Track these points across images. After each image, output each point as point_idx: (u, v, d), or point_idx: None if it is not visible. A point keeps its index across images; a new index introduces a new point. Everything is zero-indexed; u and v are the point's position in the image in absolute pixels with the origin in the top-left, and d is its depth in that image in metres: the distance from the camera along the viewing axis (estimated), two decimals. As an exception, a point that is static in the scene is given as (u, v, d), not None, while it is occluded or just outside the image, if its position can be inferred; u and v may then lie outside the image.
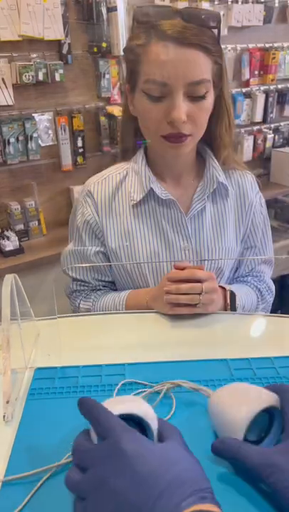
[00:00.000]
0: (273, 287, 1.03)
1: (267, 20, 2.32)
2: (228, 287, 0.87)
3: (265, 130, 2.55)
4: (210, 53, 0.75)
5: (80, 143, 1.96)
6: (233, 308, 0.86)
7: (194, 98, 0.76)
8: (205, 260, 0.91)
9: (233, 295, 0.86)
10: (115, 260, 0.93)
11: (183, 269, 0.79)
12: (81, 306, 0.96)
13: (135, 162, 0.92)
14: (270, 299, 1.01)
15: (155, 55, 0.74)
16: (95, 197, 0.92)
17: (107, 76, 1.93)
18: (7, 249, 1.75)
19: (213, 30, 0.76)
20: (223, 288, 0.86)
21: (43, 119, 1.85)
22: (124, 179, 0.92)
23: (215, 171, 0.90)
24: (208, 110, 0.80)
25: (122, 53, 1.77)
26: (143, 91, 0.78)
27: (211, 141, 0.90)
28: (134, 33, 0.79)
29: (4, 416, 0.58)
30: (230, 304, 0.85)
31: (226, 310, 0.85)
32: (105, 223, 0.91)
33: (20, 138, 1.77)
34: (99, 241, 0.93)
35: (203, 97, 0.77)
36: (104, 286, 0.98)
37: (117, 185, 0.92)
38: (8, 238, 1.78)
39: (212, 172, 0.90)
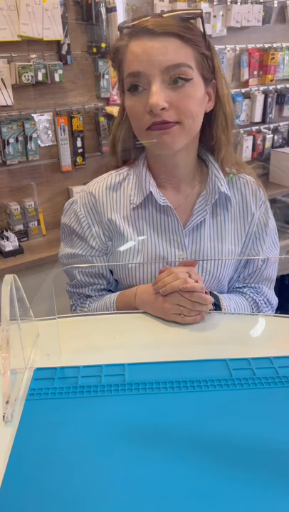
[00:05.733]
0: (275, 301, 0.99)
1: (266, 20, 2.32)
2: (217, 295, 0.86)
3: (265, 130, 2.55)
4: (189, 41, 0.75)
5: (79, 143, 1.96)
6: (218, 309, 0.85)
7: (175, 85, 0.75)
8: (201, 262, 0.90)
9: (215, 297, 0.85)
10: (105, 258, 0.92)
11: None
12: (78, 311, 0.97)
13: (136, 166, 0.91)
14: (269, 312, 0.97)
15: (132, 50, 0.76)
16: (96, 196, 0.90)
17: (106, 76, 1.93)
18: (6, 249, 1.75)
19: (193, 22, 0.76)
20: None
21: (42, 120, 1.85)
22: (123, 180, 0.91)
23: (217, 180, 0.88)
24: (196, 98, 0.78)
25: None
26: (126, 88, 0.79)
27: (208, 142, 0.89)
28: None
29: (4, 416, 0.58)
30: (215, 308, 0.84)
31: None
32: (105, 220, 0.90)
33: (20, 138, 1.77)
34: (96, 237, 0.91)
35: (183, 83, 0.75)
36: (100, 290, 0.97)
37: (116, 185, 0.91)
38: (7, 239, 1.77)
39: (214, 182, 0.88)
